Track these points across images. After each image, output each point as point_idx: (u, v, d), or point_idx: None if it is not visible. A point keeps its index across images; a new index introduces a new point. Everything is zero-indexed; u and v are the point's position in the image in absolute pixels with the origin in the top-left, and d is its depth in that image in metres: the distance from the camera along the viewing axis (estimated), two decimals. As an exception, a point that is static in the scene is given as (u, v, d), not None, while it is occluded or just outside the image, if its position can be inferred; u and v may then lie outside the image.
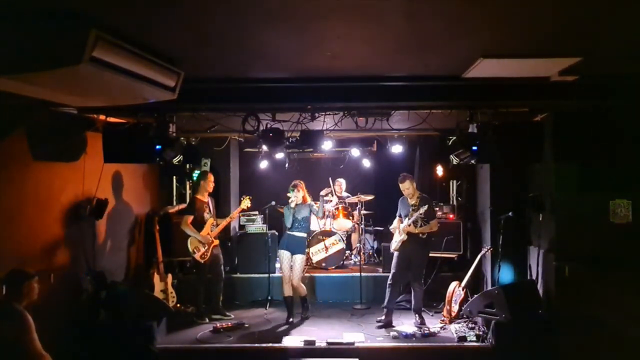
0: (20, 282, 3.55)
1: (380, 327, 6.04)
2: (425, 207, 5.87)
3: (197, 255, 6.26)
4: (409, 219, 5.94)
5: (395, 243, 6.13)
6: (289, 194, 6.37)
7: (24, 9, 2.75)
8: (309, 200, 6.46)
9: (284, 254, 6.29)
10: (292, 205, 6.32)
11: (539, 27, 3.21)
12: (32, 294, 3.59)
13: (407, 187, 6.07)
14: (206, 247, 6.31)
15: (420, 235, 5.95)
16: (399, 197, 6.26)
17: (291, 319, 6.28)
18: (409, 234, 5.95)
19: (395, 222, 6.26)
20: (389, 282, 6.17)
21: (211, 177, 6.53)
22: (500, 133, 4.92)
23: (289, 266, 6.29)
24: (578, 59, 3.82)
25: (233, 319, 6.37)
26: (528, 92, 4.74)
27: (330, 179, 8.51)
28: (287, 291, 6.30)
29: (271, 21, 3.08)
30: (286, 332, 5.89)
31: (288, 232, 6.40)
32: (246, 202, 6.69)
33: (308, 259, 7.40)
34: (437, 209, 7.57)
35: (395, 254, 6.15)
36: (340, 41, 3.50)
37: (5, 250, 4.30)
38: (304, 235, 6.44)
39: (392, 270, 6.17)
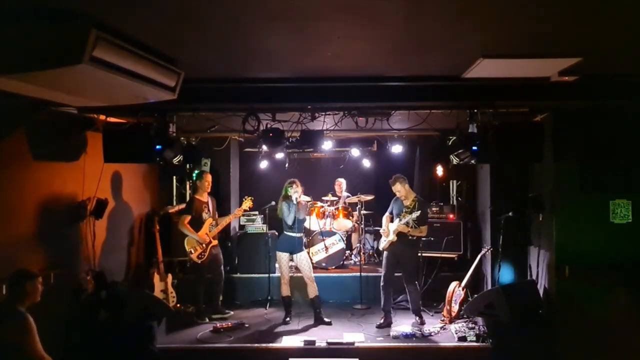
0: (24, 282, 3.52)
1: (379, 328, 6.05)
2: (419, 212, 5.86)
3: (193, 255, 6.26)
4: (400, 219, 5.94)
5: (384, 242, 6.14)
6: (289, 193, 6.20)
7: (24, 9, 2.75)
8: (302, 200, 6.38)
9: (283, 256, 6.26)
10: (295, 201, 6.16)
11: (539, 27, 3.21)
12: (36, 294, 3.56)
13: (398, 189, 6.06)
14: (203, 247, 6.30)
15: (409, 236, 5.95)
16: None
17: (288, 319, 6.27)
18: (399, 234, 5.95)
19: (384, 219, 6.25)
20: (381, 283, 6.17)
21: (208, 177, 6.52)
22: (500, 133, 4.92)
23: (288, 267, 6.29)
24: (578, 59, 3.82)
25: (233, 319, 6.37)
26: (528, 92, 4.74)
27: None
28: (285, 291, 6.31)
29: (271, 21, 3.09)
30: (286, 332, 5.89)
31: (287, 233, 6.32)
32: (248, 203, 6.70)
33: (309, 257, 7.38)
34: (437, 209, 7.58)
35: (385, 254, 6.16)
36: (340, 41, 3.50)
37: (5, 250, 4.30)
38: (302, 234, 6.42)
39: (383, 271, 6.18)
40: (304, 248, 6.40)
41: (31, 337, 3.38)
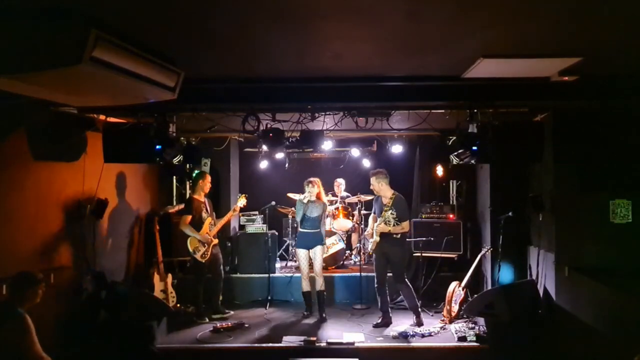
0: (27, 286, 3.54)
1: (376, 327, 6.05)
2: (395, 208, 5.85)
3: (197, 255, 6.27)
4: (380, 219, 5.93)
5: (370, 245, 6.12)
6: (305, 193, 6.32)
7: (24, 9, 2.75)
8: (324, 198, 6.48)
9: (301, 252, 6.39)
10: (305, 201, 6.29)
11: (539, 27, 3.21)
12: (36, 298, 3.58)
13: (372, 183, 6.11)
14: (206, 247, 6.32)
15: (394, 235, 5.93)
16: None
17: (307, 313, 6.40)
18: (381, 234, 5.93)
19: (370, 220, 6.29)
20: (375, 285, 6.16)
21: (209, 178, 6.56)
22: (500, 133, 4.92)
23: (307, 263, 6.37)
24: (578, 59, 3.82)
25: (233, 319, 6.37)
26: (528, 92, 4.74)
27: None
28: (305, 286, 6.42)
29: (271, 21, 3.09)
30: (286, 332, 5.89)
31: (300, 230, 6.46)
32: (242, 201, 6.72)
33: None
34: (437, 209, 7.58)
35: (374, 256, 6.17)
36: (340, 41, 3.50)
37: (5, 250, 4.30)
38: (317, 230, 6.42)
39: (375, 273, 6.17)
40: (320, 243, 6.42)
41: (30, 337, 3.40)
